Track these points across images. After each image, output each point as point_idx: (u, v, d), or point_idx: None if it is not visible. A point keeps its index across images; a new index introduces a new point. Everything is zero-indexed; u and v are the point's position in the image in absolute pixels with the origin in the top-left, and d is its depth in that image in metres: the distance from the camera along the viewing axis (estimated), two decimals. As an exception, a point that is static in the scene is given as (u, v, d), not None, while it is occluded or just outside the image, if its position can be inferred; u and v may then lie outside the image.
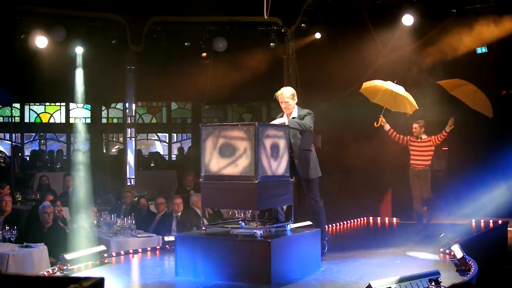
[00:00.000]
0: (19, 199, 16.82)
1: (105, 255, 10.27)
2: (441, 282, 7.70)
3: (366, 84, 13.02)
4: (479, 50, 16.40)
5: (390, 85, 12.83)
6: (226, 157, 8.82)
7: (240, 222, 9.73)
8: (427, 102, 14.90)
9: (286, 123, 9.65)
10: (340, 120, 17.89)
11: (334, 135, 18.41)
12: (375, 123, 13.37)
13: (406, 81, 14.31)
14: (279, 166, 9.16)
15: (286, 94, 10.06)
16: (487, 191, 14.87)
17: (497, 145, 16.21)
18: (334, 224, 14.33)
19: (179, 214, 13.45)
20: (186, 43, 18.75)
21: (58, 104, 25.74)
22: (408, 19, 16.31)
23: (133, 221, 12.43)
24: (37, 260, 10.62)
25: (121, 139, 25.01)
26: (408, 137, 13.52)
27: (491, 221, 14.13)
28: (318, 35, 18.38)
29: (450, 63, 15.92)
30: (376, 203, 16.88)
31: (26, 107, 25.54)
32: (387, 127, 13.39)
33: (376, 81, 13.14)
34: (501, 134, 16.36)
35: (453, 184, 16.67)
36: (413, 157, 13.53)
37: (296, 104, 10.11)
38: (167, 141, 27.83)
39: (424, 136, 13.46)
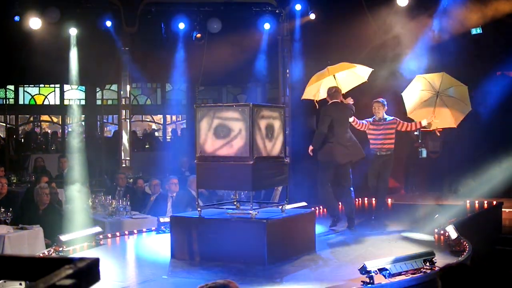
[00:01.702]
0: (14, 181, 16.81)
1: (101, 236, 10.29)
2: (435, 262, 7.73)
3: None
4: (474, 31, 16.36)
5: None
6: (221, 138, 8.84)
7: (235, 203, 9.76)
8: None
9: None
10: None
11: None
12: None
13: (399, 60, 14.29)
14: (274, 147, 9.18)
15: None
16: (482, 172, 14.90)
17: (492, 126, 16.24)
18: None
19: (174, 195, 13.45)
20: (180, 24, 18.69)
21: (53, 85, 25.68)
22: (402, 0, 16.26)
23: (128, 203, 12.43)
24: (32, 241, 10.61)
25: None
26: (368, 121, 12.24)
27: (485, 202, 14.15)
28: (312, 16, 18.33)
29: (444, 44, 15.89)
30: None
31: (21, 89, 25.47)
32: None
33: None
34: (496, 115, 16.37)
35: (448, 165, 16.71)
36: (374, 141, 12.23)
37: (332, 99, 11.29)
38: (162, 122, 27.82)
39: (386, 117, 12.17)
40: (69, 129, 24.44)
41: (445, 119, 12.38)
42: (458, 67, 14.12)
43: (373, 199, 13.16)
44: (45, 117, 27.10)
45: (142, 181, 15.03)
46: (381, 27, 16.88)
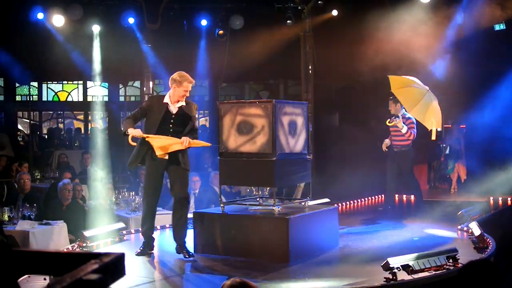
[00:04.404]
0: (38, 177, 16.89)
1: (124, 232, 10.34)
2: (458, 259, 7.70)
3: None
4: (497, 27, 16.25)
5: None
6: (244, 134, 8.85)
7: (258, 199, 9.77)
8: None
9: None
10: (357, 98, 17.82)
11: (351, 113, 18.36)
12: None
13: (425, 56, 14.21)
14: (297, 143, 9.18)
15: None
16: (506, 169, 14.81)
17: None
18: (351, 202, 14.35)
19: (197, 191, 13.47)
20: (202, 21, 18.72)
21: (76, 82, 25.79)
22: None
23: (152, 198, 12.45)
24: (56, 237, 10.66)
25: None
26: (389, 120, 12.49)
27: (509, 199, 14.08)
28: (335, 12, 18.29)
29: (467, 40, 15.80)
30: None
31: (44, 86, 25.59)
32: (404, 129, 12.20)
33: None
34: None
35: (471, 162, 16.61)
36: (391, 137, 12.57)
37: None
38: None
39: (399, 114, 12.29)
40: (92, 126, 24.56)
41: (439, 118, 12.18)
42: (481, 62, 14.01)
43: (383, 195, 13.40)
44: (68, 114, 27.25)
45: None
46: (404, 23, 16.78)
